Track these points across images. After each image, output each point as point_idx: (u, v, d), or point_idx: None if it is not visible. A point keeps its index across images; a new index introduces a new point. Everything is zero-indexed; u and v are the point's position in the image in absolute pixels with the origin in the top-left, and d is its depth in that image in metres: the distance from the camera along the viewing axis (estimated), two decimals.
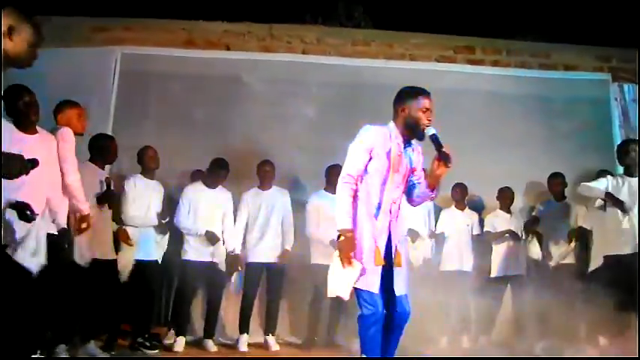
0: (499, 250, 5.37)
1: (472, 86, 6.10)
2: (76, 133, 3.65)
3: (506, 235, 5.33)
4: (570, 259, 5.09)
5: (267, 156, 5.19)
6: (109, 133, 5.28)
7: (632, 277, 3.99)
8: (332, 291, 2.83)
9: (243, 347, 4.76)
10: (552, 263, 5.15)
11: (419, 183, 2.96)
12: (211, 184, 4.89)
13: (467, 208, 5.58)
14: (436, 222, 5.49)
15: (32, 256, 2.80)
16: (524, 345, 4.90)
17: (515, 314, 5.32)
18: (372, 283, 2.74)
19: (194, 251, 4.75)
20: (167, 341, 4.70)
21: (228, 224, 4.91)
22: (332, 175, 5.03)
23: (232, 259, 4.87)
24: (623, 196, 4.33)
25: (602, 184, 4.47)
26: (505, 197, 5.51)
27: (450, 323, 5.09)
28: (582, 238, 5.11)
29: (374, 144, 2.82)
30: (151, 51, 5.79)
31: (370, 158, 2.84)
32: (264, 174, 5.04)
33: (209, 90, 5.70)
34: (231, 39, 5.93)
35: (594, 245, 4.81)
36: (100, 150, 4.16)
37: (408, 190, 3.00)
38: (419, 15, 6.35)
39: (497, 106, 6.04)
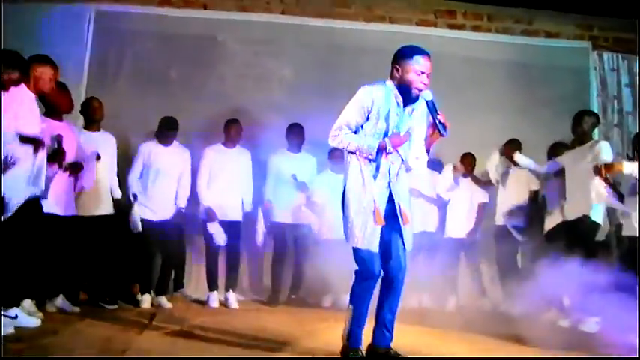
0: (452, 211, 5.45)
1: (452, 51, 6.04)
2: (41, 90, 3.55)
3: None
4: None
5: (240, 115, 5.14)
6: (83, 91, 5.26)
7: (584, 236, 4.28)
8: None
9: (214, 304, 4.77)
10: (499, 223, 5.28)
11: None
12: (164, 141, 4.82)
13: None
14: None
15: None
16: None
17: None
18: (372, 243, 2.78)
19: (148, 211, 4.71)
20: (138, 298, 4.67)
21: (184, 180, 4.85)
22: (291, 135, 5.12)
23: (209, 214, 4.84)
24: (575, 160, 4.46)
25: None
26: (466, 163, 5.49)
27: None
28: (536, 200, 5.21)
29: (371, 105, 2.80)
30: (126, 9, 5.67)
31: (367, 119, 2.83)
32: (232, 132, 4.99)
33: (184, 49, 5.64)
34: None
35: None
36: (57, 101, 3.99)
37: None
38: None
39: (476, 72, 6.06)
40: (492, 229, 5.44)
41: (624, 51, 6.36)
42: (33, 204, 3.36)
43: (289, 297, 5.16)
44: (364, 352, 2.87)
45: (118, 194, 4.65)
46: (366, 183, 2.80)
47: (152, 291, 4.69)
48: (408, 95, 2.81)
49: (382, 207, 2.82)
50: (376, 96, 2.80)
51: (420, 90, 2.77)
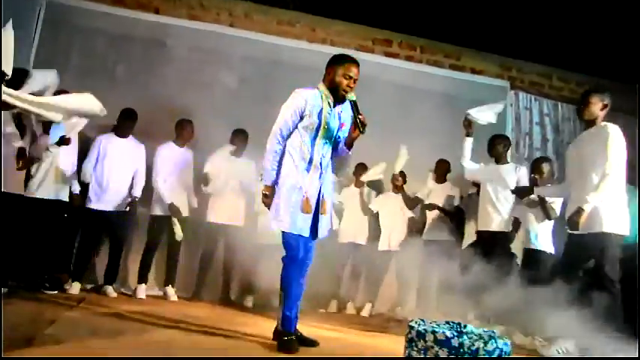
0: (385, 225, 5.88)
1: (386, 77, 6.55)
2: None
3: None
4: (445, 237, 5.62)
5: (183, 116, 5.40)
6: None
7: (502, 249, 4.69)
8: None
9: (141, 295, 4.97)
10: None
11: (342, 140, 3.28)
12: (122, 133, 5.05)
13: (364, 185, 6.01)
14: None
15: None
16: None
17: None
18: (302, 228, 3.09)
19: (97, 200, 4.91)
20: (67, 287, 4.81)
21: (139, 173, 5.11)
22: (236, 140, 5.42)
23: (172, 208, 5.09)
24: (492, 178, 4.95)
25: (476, 166, 5.14)
26: (394, 182, 5.96)
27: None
28: (458, 216, 5.70)
29: (305, 105, 3.14)
30: (77, 3, 5.78)
31: (301, 118, 3.15)
32: (184, 132, 5.29)
33: (133, 50, 5.83)
34: (161, 3, 6.05)
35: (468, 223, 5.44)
36: None
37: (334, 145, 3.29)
38: (344, 4, 6.72)
39: (407, 98, 6.55)
40: (421, 243, 5.80)
41: (537, 93, 7.07)
42: None
43: (221, 295, 5.36)
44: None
45: (77, 187, 4.85)
46: (296, 173, 3.12)
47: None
48: (336, 96, 3.19)
49: (313, 197, 3.14)
50: (308, 96, 3.17)
51: (346, 92, 3.15)
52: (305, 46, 6.28)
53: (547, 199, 4.55)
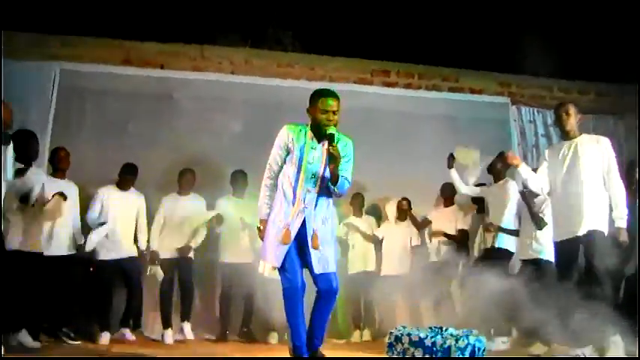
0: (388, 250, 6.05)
1: (387, 106, 6.76)
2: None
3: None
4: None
5: (193, 165, 5.68)
6: (48, 141, 5.66)
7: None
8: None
9: (169, 340, 5.18)
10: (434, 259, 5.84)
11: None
12: (123, 186, 5.35)
13: (364, 214, 6.16)
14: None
15: None
16: None
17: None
18: (276, 259, 3.19)
19: (105, 250, 5.17)
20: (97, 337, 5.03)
21: (141, 223, 5.39)
22: (235, 181, 5.68)
23: (151, 255, 5.37)
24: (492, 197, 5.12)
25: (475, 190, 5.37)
26: (402, 206, 6.12)
27: None
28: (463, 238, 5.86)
29: (288, 140, 3.30)
30: (88, 68, 6.15)
31: (287, 153, 3.31)
32: (184, 181, 5.56)
33: (142, 105, 6.17)
34: (165, 58, 6.40)
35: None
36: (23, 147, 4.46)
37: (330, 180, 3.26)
38: (341, 40, 6.97)
39: (408, 124, 6.73)
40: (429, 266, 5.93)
41: (539, 105, 7.16)
42: None
43: (240, 331, 5.53)
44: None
45: (81, 239, 5.10)
46: (283, 208, 3.25)
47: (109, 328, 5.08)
48: (319, 132, 3.28)
49: (294, 229, 3.20)
50: (291, 131, 3.32)
51: (327, 126, 3.20)
52: (305, 85, 6.50)
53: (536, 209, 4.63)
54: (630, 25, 6.43)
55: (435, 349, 1.78)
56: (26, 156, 4.50)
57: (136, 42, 6.39)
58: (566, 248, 3.80)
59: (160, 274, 5.32)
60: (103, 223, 5.19)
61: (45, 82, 6.07)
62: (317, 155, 3.28)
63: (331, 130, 3.19)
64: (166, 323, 5.30)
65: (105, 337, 4.98)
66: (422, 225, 6.07)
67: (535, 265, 4.68)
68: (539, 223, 4.65)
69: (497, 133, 6.94)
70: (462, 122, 6.88)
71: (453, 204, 6.05)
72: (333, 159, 3.16)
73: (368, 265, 5.97)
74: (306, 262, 3.28)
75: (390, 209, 6.24)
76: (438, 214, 6.05)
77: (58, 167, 5.06)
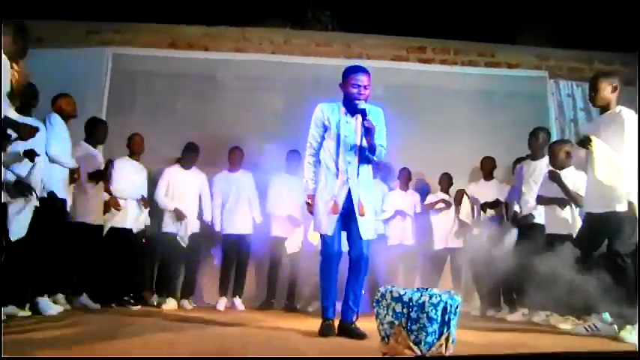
0: (438, 226, 6.15)
1: (423, 82, 6.91)
2: (67, 116, 4.51)
3: (442, 205, 6.12)
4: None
5: (238, 143, 5.99)
6: None
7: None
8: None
9: (221, 307, 5.52)
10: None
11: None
12: (186, 165, 5.70)
13: (410, 189, 6.35)
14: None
15: None
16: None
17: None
18: (328, 228, 3.44)
19: (172, 225, 5.56)
20: (153, 302, 5.48)
21: (205, 201, 5.73)
22: (291, 159, 5.85)
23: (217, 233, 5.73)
24: (531, 176, 5.14)
25: None
26: (444, 181, 6.27)
27: None
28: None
29: (324, 118, 3.53)
30: (138, 52, 6.57)
31: (325, 129, 3.53)
32: (234, 158, 5.85)
33: (189, 86, 6.54)
34: (208, 41, 6.73)
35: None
36: (92, 131, 5.04)
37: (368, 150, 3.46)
38: (378, 18, 7.13)
39: (445, 100, 6.84)
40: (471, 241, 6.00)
41: (578, 79, 7.11)
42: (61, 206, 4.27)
43: (285, 303, 5.80)
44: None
45: (148, 220, 5.57)
46: (328, 181, 3.49)
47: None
48: (350, 106, 3.44)
49: (341, 200, 3.41)
50: (325, 108, 3.55)
51: (358, 100, 3.40)
52: (342, 62, 6.68)
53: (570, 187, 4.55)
54: None
55: (411, 304, 2.03)
56: (95, 140, 5.09)
57: (181, 26, 6.75)
58: (594, 223, 3.82)
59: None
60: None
61: (99, 67, 6.51)
62: (352, 128, 3.50)
63: (362, 105, 3.39)
64: (224, 291, 5.67)
65: (170, 303, 5.36)
66: (459, 196, 6.16)
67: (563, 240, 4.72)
68: (579, 202, 4.48)
69: (534, 108, 6.96)
70: (498, 97, 6.97)
71: (493, 178, 6.13)
72: (368, 132, 3.38)
73: (406, 238, 6.15)
74: (348, 230, 3.51)
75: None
76: (478, 187, 6.12)
77: (134, 151, 5.51)
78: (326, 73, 6.60)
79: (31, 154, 3.72)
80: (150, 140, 5.84)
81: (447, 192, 6.27)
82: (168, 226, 5.57)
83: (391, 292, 2.19)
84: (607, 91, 3.79)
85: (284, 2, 7.30)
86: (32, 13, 5.81)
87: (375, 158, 3.52)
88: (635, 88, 6.20)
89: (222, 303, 5.58)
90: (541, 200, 4.84)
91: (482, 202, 5.97)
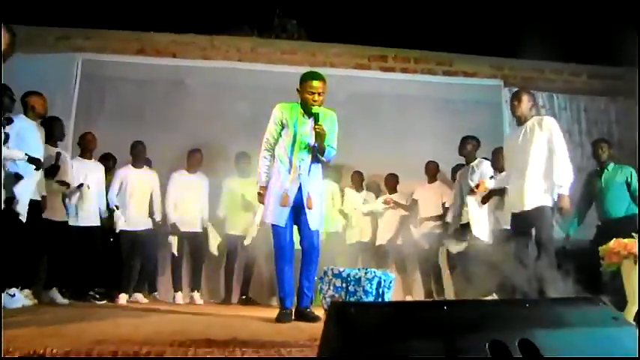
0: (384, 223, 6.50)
1: (385, 90, 7.20)
2: (38, 115, 4.70)
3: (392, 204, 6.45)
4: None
5: (202, 146, 6.20)
6: (72, 125, 6.25)
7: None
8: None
9: (179, 300, 5.77)
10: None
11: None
12: (137, 165, 5.89)
13: (364, 190, 6.65)
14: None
15: None
16: None
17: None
18: (280, 219, 3.65)
19: (125, 222, 5.70)
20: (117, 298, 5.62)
21: (156, 199, 5.92)
22: (239, 162, 6.12)
23: (171, 228, 5.91)
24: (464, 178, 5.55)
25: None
26: (390, 182, 6.62)
27: None
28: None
29: (282, 117, 3.76)
30: (107, 57, 6.74)
31: (283, 127, 3.75)
32: (193, 160, 6.08)
33: (157, 92, 6.72)
34: (177, 48, 6.94)
35: None
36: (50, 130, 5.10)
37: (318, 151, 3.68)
38: (341, 27, 7.44)
39: (405, 107, 7.15)
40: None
41: (531, 87, 7.49)
42: (35, 207, 4.42)
43: (240, 298, 6.05)
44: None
45: (105, 213, 5.68)
46: (281, 175, 3.71)
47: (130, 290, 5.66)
48: (306, 110, 3.69)
49: (292, 194, 3.64)
50: (284, 109, 3.78)
51: (312, 105, 3.65)
52: (307, 70, 6.94)
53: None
54: (622, 7, 6.74)
55: (349, 279, 2.28)
56: (53, 138, 5.16)
57: (150, 33, 6.94)
58: (518, 220, 4.25)
59: (175, 245, 5.86)
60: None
61: (69, 72, 6.66)
62: (308, 129, 3.74)
63: (315, 110, 3.65)
64: (177, 286, 5.89)
65: (123, 299, 5.53)
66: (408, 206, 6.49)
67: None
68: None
69: (490, 115, 7.31)
70: (456, 104, 7.28)
71: (436, 180, 6.46)
72: (318, 135, 3.64)
73: (364, 235, 6.42)
74: (299, 222, 3.74)
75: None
76: (423, 190, 6.45)
77: (86, 148, 5.63)
78: (290, 81, 6.87)
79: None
80: (117, 143, 6.00)
81: (394, 191, 6.55)
82: (122, 223, 5.69)
83: (332, 269, 2.43)
84: (528, 104, 4.27)
85: (251, 11, 7.58)
86: (2, 17, 5.92)
87: (323, 159, 3.77)
88: (600, 99, 6.72)
89: (179, 297, 5.80)
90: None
91: (426, 202, 6.34)
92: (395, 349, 1.20)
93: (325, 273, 2.22)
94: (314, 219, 3.72)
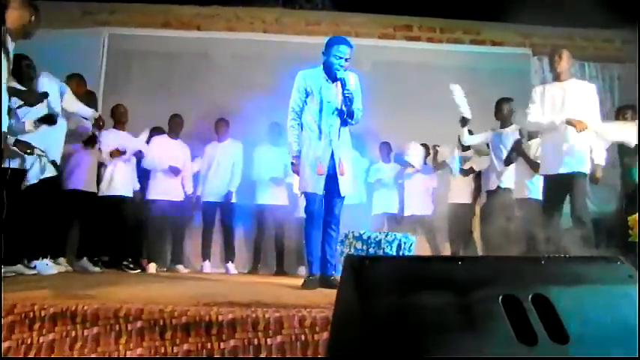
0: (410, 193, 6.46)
1: (410, 59, 7.12)
2: (78, 95, 4.80)
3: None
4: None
5: (227, 116, 6.25)
6: (100, 98, 6.35)
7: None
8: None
9: (207, 270, 5.89)
10: None
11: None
12: (172, 135, 5.98)
13: (392, 162, 6.61)
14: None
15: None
16: None
17: None
18: (317, 187, 3.66)
19: (158, 192, 5.80)
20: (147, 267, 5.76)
21: (187, 170, 6.00)
22: (273, 131, 6.14)
23: (202, 198, 6.00)
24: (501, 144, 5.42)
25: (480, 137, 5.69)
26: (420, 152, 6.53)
27: None
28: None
29: (306, 84, 3.76)
30: (133, 32, 6.81)
31: (307, 94, 3.75)
32: (219, 129, 6.15)
33: (182, 64, 6.76)
34: (201, 20, 6.96)
35: None
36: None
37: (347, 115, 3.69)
38: None
39: (431, 76, 7.04)
40: (446, 207, 6.32)
41: None
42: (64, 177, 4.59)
43: (270, 269, 6.16)
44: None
45: (137, 185, 5.81)
46: (312, 143, 3.70)
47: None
48: (331, 74, 3.68)
49: (325, 161, 3.64)
50: (307, 76, 3.78)
51: (338, 70, 3.64)
52: None
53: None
54: None
55: (369, 241, 2.30)
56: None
57: (174, 6, 6.96)
58: (552, 184, 4.15)
59: (207, 215, 5.95)
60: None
61: (95, 47, 6.77)
62: (333, 93, 3.74)
63: (341, 74, 3.64)
64: (207, 255, 6.00)
65: (152, 268, 5.67)
66: (440, 167, 6.43)
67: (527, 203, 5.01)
68: (534, 168, 4.92)
69: (518, 84, 7.15)
70: (483, 74, 7.14)
71: (469, 148, 6.35)
72: (348, 100, 3.65)
73: (390, 207, 6.42)
74: (328, 188, 3.73)
75: (413, 154, 6.63)
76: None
77: (119, 120, 5.72)
78: (316, 52, 6.85)
79: (50, 118, 3.96)
80: (144, 115, 6.09)
81: (423, 162, 6.52)
82: (155, 193, 5.80)
83: (352, 232, 2.45)
84: (569, 63, 4.22)
85: None
86: None
87: (352, 122, 3.78)
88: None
89: (207, 266, 5.92)
90: (507, 160, 5.16)
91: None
92: (408, 301, 1.22)
93: (346, 236, 2.26)
94: (345, 185, 3.72)
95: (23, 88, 3.88)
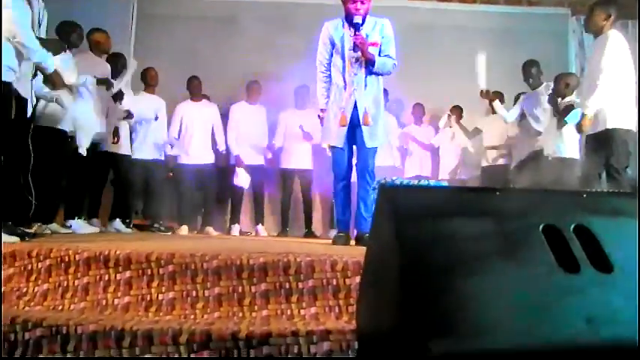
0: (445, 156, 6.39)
1: (442, 21, 6.93)
2: (103, 51, 4.85)
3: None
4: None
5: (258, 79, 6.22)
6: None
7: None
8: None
9: (235, 233, 5.91)
10: None
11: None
12: (195, 98, 5.95)
13: (424, 124, 6.50)
14: None
15: None
16: None
17: None
18: (337, 139, 3.61)
19: (185, 156, 5.83)
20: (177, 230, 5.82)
21: (217, 132, 5.97)
22: (298, 95, 6.08)
23: (236, 160, 5.93)
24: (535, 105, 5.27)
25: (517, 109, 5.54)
26: (456, 114, 6.41)
27: None
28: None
29: (328, 34, 3.71)
30: None
31: (333, 46, 3.68)
32: (252, 92, 6.09)
33: (209, 28, 6.74)
34: None
35: None
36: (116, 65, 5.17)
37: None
38: None
39: (465, 38, 6.87)
40: (480, 170, 6.23)
41: None
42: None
43: (300, 231, 6.16)
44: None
45: (167, 147, 5.85)
46: (337, 95, 3.63)
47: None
48: (350, 21, 3.56)
49: (348, 112, 3.56)
50: (329, 26, 3.72)
51: (354, 14, 3.54)
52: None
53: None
54: None
55: None
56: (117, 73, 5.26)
57: None
58: (591, 142, 3.99)
59: (247, 179, 5.86)
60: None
61: (125, 11, 6.80)
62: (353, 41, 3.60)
63: (357, 19, 3.53)
64: (235, 219, 6.01)
65: (184, 230, 5.72)
66: (472, 134, 6.31)
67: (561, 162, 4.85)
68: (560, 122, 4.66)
69: (554, 46, 6.94)
70: (518, 35, 6.92)
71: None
72: (359, 46, 3.52)
73: (424, 170, 6.35)
74: (355, 141, 3.66)
75: (444, 119, 6.52)
76: (487, 120, 6.22)
77: (149, 84, 5.76)
78: (341, 12, 6.75)
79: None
80: (174, 79, 6.08)
81: (457, 124, 6.39)
82: (183, 157, 5.84)
83: (385, 178, 2.41)
84: (600, 17, 3.93)
85: None
86: None
87: (377, 70, 3.61)
88: None
89: (235, 229, 5.93)
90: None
91: (491, 135, 6.11)
92: (444, 229, 1.18)
93: (378, 183, 2.21)
94: (371, 136, 3.60)
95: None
